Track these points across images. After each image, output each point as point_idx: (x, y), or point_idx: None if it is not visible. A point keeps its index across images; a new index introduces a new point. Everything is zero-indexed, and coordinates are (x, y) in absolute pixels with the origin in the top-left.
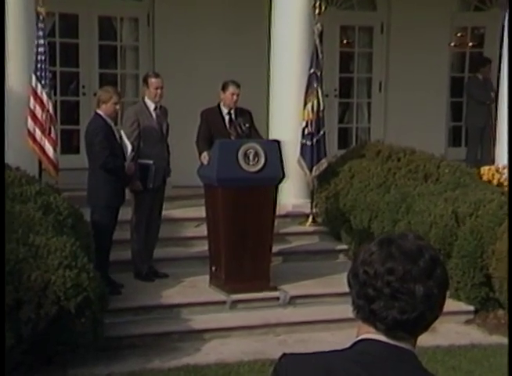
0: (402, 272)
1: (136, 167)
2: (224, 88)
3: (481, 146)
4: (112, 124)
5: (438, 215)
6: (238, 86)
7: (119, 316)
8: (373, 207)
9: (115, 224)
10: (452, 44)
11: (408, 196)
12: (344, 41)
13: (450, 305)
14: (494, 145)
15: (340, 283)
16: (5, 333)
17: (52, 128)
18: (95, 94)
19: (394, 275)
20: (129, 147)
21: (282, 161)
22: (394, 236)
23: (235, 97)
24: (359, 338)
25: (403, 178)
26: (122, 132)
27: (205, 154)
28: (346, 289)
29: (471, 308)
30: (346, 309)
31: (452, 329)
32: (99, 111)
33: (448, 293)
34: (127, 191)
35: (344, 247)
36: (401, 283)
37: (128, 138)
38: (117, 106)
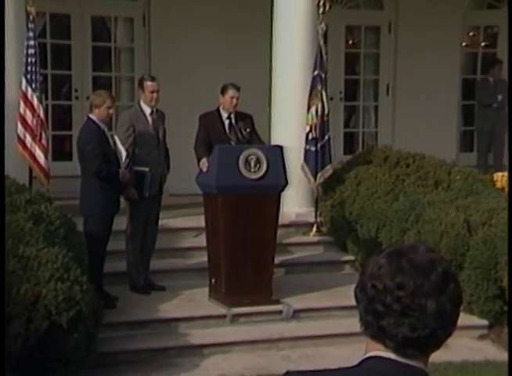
0: (413, 287)
1: (131, 174)
2: (223, 91)
3: (494, 151)
4: (105, 130)
5: (449, 223)
6: (238, 89)
7: (114, 330)
8: (381, 215)
9: (109, 234)
10: (464, 44)
11: (417, 204)
12: (350, 42)
13: (463, 319)
14: (504, 150)
15: (346, 295)
16: None
17: (43, 134)
18: (88, 98)
19: (405, 290)
20: (123, 153)
21: (285, 168)
22: (404, 249)
23: (235, 101)
24: (367, 355)
25: (412, 186)
26: (116, 138)
27: (204, 161)
28: (352, 302)
29: (485, 322)
30: (352, 323)
31: (465, 344)
32: (91, 116)
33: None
34: (121, 199)
35: (351, 258)
36: (411, 298)
37: (123, 144)
38: (111, 111)
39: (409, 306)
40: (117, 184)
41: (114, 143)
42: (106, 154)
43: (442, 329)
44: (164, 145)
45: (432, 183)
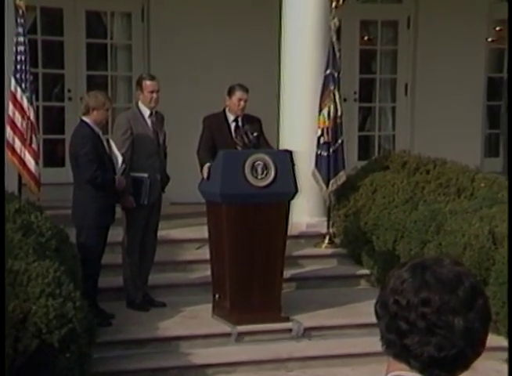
0: (439, 304)
1: (128, 181)
2: (230, 92)
3: None
4: (100, 133)
5: (472, 235)
6: (246, 91)
7: (109, 350)
8: (399, 226)
9: (104, 246)
10: (490, 39)
11: (438, 213)
12: (365, 38)
13: (489, 339)
14: None
15: (362, 312)
16: None
17: (34, 138)
18: (81, 99)
19: (430, 306)
20: (119, 159)
21: (294, 175)
22: (428, 262)
23: (242, 103)
24: (390, 375)
25: (433, 194)
26: (111, 142)
27: (207, 166)
28: (369, 320)
29: None
30: (369, 343)
31: (492, 367)
32: (85, 118)
33: None
34: (117, 209)
35: (366, 271)
36: (438, 315)
37: (120, 148)
38: (108, 113)
39: (435, 324)
40: (113, 192)
41: (110, 148)
42: (101, 160)
43: (471, 348)
44: (164, 149)
45: (454, 191)
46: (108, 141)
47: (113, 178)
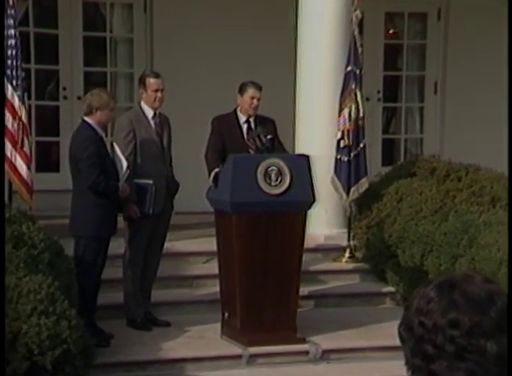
0: (469, 325)
1: (132, 188)
2: (242, 90)
3: None
4: (103, 135)
5: (508, 249)
6: (260, 89)
7: (107, 372)
8: (427, 239)
9: (104, 259)
10: None
11: (471, 225)
12: (390, 31)
13: None
14: None
15: (386, 334)
16: None
17: (26, 140)
18: (79, 98)
19: (459, 329)
20: (124, 164)
21: (311, 181)
22: (456, 279)
23: (255, 102)
24: None
25: (465, 203)
26: (115, 145)
27: (216, 172)
28: (392, 342)
29: None
30: (393, 367)
31: None
32: (87, 119)
33: None
34: (119, 218)
35: (390, 289)
36: (468, 338)
37: (122, 152)
38: (113, 113)
39: (465, 348)
40: (116, 200)
41: (113, 152)
42: (103, 165)
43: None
44: (169, 154)
45: (488, 200)
46: (112, 144)
47: (117, 185)
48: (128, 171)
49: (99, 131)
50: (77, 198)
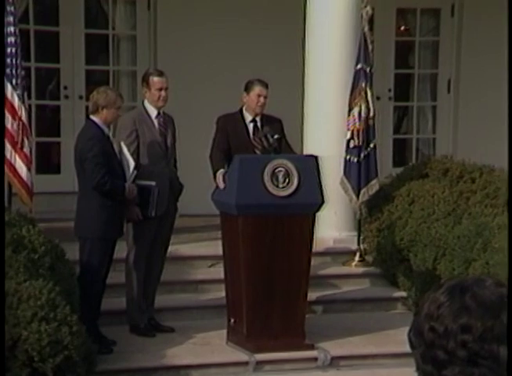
0: (482, 330)
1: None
2: (248, 88)
3: None
4: (110, 134)
5: None
6: (266, 86)
7: None
8: (439, 242)
9: (110, 263)
10: None
11: (485, 228)
12: (402, 28)
13: None
14: None
15: (397, 340)
16: None
17: (26, 141)
18: (80, 97)
19: (471, 333)
20: (131, 164)
21: (320, 183)
22: (467, 283)
23: (262, 100)
24: None
25: (479, 205)
26: (123, 145)
27: (221, 173)
28: (403, 348)
29: None
30: (404, 374)
31: None
32: (94, 118)
33: None
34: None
35: (402, 294)
36: (480, 343)
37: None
38: (120, 112)
39: (477, 353)
40: (122, 201)
41: (120, 152)
42: (110, 164)
43: None
44: (174, 154)
45: (503, 202)
46: (119, 144)
47: (123, 185)
48: (136, 171)
49: (106, 130)
50: (83, 199)
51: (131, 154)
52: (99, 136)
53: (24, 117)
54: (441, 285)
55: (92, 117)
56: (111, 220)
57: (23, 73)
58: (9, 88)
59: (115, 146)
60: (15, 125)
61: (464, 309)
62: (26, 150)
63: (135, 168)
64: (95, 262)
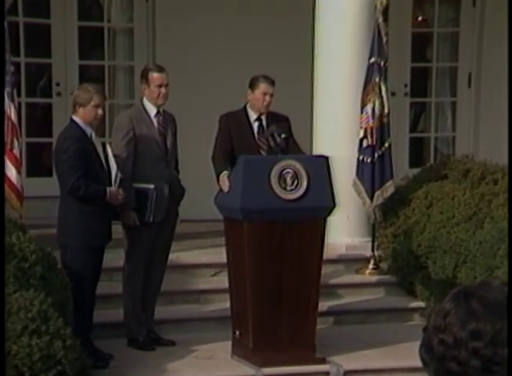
0: (492, 334)
1: (131, 194)
2: (252, 85)
3: None
4: (92, 135)
5: None
6: (272, 83)
7: None
8: (460, 248)
9: (98, 272)
10: None
11: (508, 233)
12: (419, 19)
13: None
14: None
15: (414, 354)
16: None
17: (15, 142)
18: (72, 94)
19: (482, 339)
20: (114, 167)
21: (331, 185)
22: (472, 287)
23: (267, 98)
24: None
25: (501, 209)
26: (108, 147)
27: (225, 176)
28: (420, 362)
29: None
30: None
31: None
32: (75, 117)
33: None
34: (118, 227)
35: (420, 304)
36: (493, 348)
37: (120, 153)
38: (100, 111)
39: (491, 359)
40: (106, 206)
41: (104, 152)
42: (89, 167)
43: None
44: (175, 156)
45: None
46: (105, 145)
47: (104, 189)
48: (120, 174)
49: (88, 130)
50: (63, 204)
51: (128, 156)
52: (77, 137)
53: (14, 116)
54: (446, 295)
55: (73, 116)
56: (92, 227)
57: (12, 68)
58: None
59: (99, 148)
60: (3, 125)
61: (471, 314)
62: (15, 151)
63: (118, 169)
64: (78, 272)
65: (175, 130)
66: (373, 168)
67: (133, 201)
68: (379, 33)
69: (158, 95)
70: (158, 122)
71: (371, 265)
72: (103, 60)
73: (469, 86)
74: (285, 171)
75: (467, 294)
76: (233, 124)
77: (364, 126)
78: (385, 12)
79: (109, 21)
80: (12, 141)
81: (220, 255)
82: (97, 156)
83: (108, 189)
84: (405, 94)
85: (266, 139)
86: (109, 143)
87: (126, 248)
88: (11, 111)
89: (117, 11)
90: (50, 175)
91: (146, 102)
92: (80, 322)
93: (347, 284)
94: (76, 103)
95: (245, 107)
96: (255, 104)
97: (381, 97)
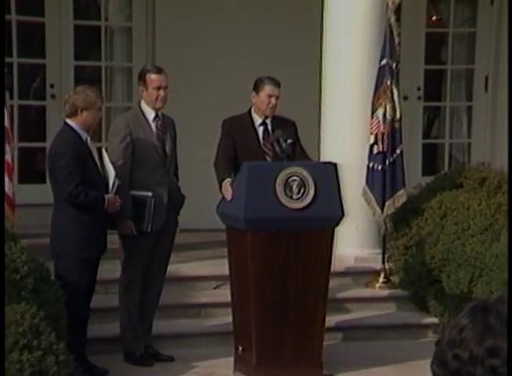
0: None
1: (128, 201)
2: (257, 87)
3: None
4: (88, 139)
5: None
6: (277, 85)
7: None
8: (476, 261)
9: (93, 284)
10: None
11: None
12: (434, 18)
13: None
14: None
15: (427, 372)
16: None
17: (8, 147)
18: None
19: (500, 356)
20: (112, 173)
21: (340, 194)
22: (490, 302)
23: (272, 101)
24: None
25: None
26: (104, 152)
27: (228, 183)
28: None
29: None
30: None
31: None
32: (69, 121)
33: None
34: (115, 236)
35: (433, 320)
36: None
37: (117, 159)
38: (101, 114)
39: None
40: (103, 214)
41: (101, 158)
42: (87, 174)
43: None
44: (174, 162)
45: None
46: (100, 151)
47: (102, 196)
48: (117, 181)
49: (84, 135)
50: (57, 212)
51: (125, 162)
52: (74, 142)
53: (6, 120)
54: (462, 309)
55: (69, 120)
56: (88, 237)
57: (5, 70)
58: None
59: (94, 153)
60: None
61: (489, 330)
62: (7, 156)
63: (116, 176)
64: (72, 284)
65: (175, 134)
66: (383, 175)
67: (130, 210)
68: (391, 33)
69: (156, 98)
70: (156, 126)
71: (381, 279)
72: (100, 61)
73: (486, 90)
74: (291, 179)
75: (485, 309)
76: (237, 128)
77: (375, 131)
78: (397, 11)
79: (106, 20)
80: (3, 146)
81: (222, 267)
82: (93, 161)
83: (106, 196)
84: (419, 98)
85: (271, 145)
86: (106, 149)
87: (123, 259)
88: (3, 114)
89: (114, 9)
90: (43, 181)
91: (143, 105)
92: (74, 336)
93: (356, 298)
94: (77, 106)
95: (249, 111)
96: (260, 107)
97: (393, 101)
